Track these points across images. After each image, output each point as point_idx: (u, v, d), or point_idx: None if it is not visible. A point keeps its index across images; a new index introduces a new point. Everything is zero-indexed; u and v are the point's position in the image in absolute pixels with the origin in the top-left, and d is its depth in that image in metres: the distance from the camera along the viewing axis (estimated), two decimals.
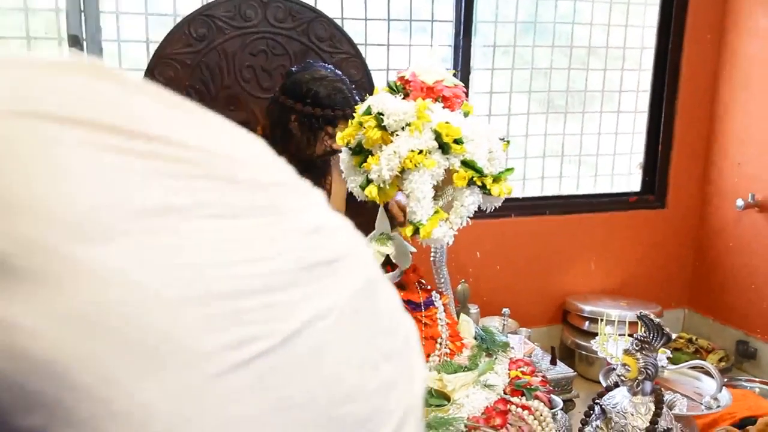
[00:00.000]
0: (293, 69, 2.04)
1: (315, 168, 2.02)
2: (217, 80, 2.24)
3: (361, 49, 2.60)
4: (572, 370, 2.57)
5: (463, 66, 2.86)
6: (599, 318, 2.47)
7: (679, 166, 3.24)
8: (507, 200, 3.02)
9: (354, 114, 1.93)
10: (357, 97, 1.97)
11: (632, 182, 3.32)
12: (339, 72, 2.05)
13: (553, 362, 2.61)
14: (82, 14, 2.37)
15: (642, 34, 3.21)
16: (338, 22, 2.48)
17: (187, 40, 2.19)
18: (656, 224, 3.25)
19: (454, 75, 2.84)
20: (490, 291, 2.90)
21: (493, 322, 2.56)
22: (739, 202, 3.00)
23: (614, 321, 2.38)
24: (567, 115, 3.19)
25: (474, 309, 2.68)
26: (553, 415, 2.21)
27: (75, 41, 2.45)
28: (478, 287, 2.87)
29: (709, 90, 3.20)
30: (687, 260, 3.32)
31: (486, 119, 2.97)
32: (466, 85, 2.87)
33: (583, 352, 2.91)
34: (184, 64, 2.20)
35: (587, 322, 2.92)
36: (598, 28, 3.15)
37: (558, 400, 2.29)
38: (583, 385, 2.83)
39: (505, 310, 2.37)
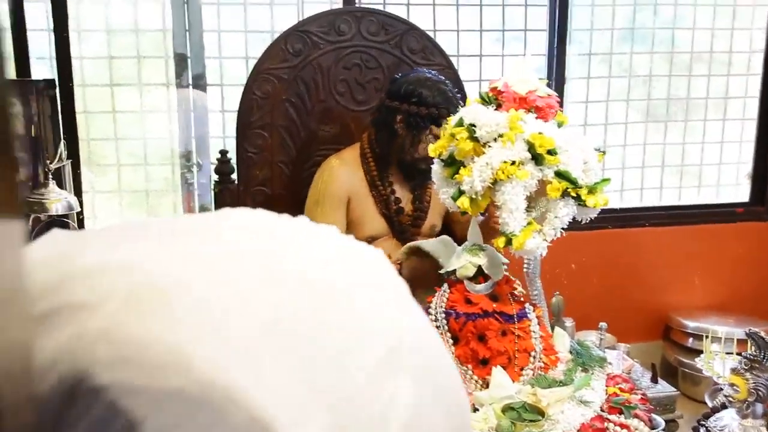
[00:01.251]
0: (398, 75, 2.09)
1: (418, 173, 2.04)
2: (313, 94, 2.29)
3: (454, 60, 2.60)
4: (675, 389, 2.46)
5: (557, 75, 2.82)
6: (704, 335, 2.36)
7: None
8: (604, 211, 2.94)
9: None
10: (459, 101, 1.99)
11: (740, 193, 3.15)
12: (442, 77, 2.08)
13: (653, 380, 2.50)
14: (187, 33, 2.49)
15: (750, 37, 3.06)
16: (431, 34, 2.49)
17: (284, 55, 2.26)
18: (767, 236, 3.08)
19: (548, 84, 2.82)
20: (585, 304, 2.82)
21: (590, 337, 2.49)
22: None
23: (721, 338, 2.27)
24: (668, 123, 3.07)
25: (569, 323, 2.60)
26: None
27: (181, 59, 2.58)
28: (573, 301, 2.79)
29: None
30: None
31: (582, 129, 2.91)
32: (561, 95, 2.83)
33: (687, 371, 2.78)
34: (281, 78, 2.26)
35: (691, 339, 2.80)
36: (701, 32, 3.02)
37: (660, 420, 2.20)
38: (687, 405, 2.70)
39: (602, 324, 2.29)
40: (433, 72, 2.10)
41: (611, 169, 3.01)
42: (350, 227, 2.09)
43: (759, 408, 1.64)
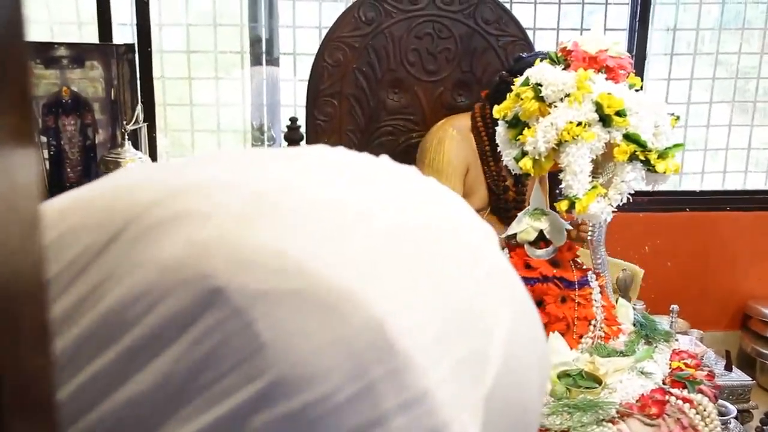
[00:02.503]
0: (523, 54, 2.06)
1: None
2: (383, 63, 2.28)
3: (530, 33, 2.55)
4: (750, 378, 2.36)
5: (638, 51, 2.72)
6: None
7: None
8: (682, 193, 2.86)
9: None
10: None
11: None
12: None
13: (728, 368, 2.40)
14: (262, 1, 2.53)
15: None
16: (507, 5, 2.45)
17: (356, 23, 2.26)
18: None
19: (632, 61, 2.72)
20: (658, 288, 2.72)
21: (661, 321, 2.41)
22: None
23: None
24: (756, 104, 2.92)
25: (640, 305, 2.53)
26: (726, 423, 2.05)
27: (254, 28, 2.62)
28: (645, 283, 2.70)
29: None
30: None
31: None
32: (641, 72, 2.73)
33: (766, 362, 2.66)
34: (351, 47, 2.27)
35: None
36: None
37: (732, 408, 2.11)
38: (763, 397, 2.59)
39: (674, 307, 2.22)
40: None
41: (693, 150, 2.89)
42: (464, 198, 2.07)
43: None
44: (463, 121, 2.09)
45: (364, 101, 2.30)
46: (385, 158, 0.51)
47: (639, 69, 2.72)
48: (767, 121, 2.93)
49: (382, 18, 2.27)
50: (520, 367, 0.43)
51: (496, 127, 1.98)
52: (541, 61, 1.93)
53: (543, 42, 2.65)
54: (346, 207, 0.41)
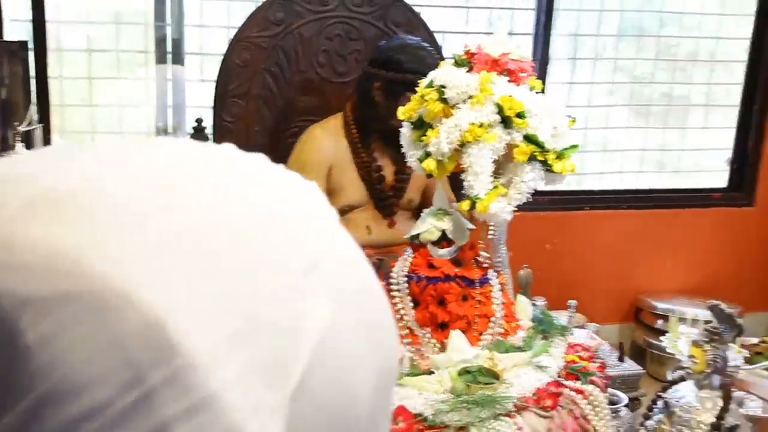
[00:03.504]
0: (382, 43, 2.11)
1: (398, 141, 2.04)
2: (293, 64, 2.27)
3: (439, 36, 2.59)
4: (640, 368, 2.49)
5: (542, 55, 2.81)
6: (670, 315, 2.38)
7: None
8: (582, 193, 2.98)
9: None
10: None
11: (717, 179, 3.17)
12: (426, 44, 2.10)
13: (620, 359, 2.53)
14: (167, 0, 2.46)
15: (737, 24, 3.06)
16: (416, 8, 2.47)
17: (265, 23, 2.24)
18: (742, 223, 3.10)
19: (533, 64, 2.81)
20: (559, 284, 2.83)
21: (561, 316, 2.51)
22: None
23: (687, 319, 2.29)
24: (651, 108, 3.08)
25: (540, 301, 2.62)
26: (617, 411, 2.15)
27: (160, 27, 2.55)
28: (546, 280, 2.81)
29: None
30: None
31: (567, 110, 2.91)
32: (544, 76, 2.82)
33: (655, 351, 2.81)
34: (260, 47, 2.24)
35: (660, 321, 2.82)
36: (687, 17, 3.02)
37: (623, 397, 2.22)
38: (652, 384, 2.73)
39: (571, 302, 2.31)
40: (416, 39, 2.11)
41: (592, 151, 3.01)
42: (330, 195, 2.10)
43: (716, 380, 1.65)
44: (334, 120, 2.12)
45: (273, 102, 2.28)
46: (229, 146, 0.50)
47: (542, 73, 2.81)
48: (660, 123, 3.10)
49: (291, 18, 2.25)
50: (344, 360, 0.42)
51: (366, 120, 2.03)
52: (402, 48, 1.99)
53: (451, 45, 2.70)
54: (144, 202, 0.38)
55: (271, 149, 2.23)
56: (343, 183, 2.07)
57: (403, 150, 1.98)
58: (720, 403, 1.65)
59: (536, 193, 2.56)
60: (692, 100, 3.12)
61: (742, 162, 3.10)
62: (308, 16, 2.26)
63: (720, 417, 1.61)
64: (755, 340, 2.95)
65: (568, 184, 2.94)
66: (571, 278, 2.89)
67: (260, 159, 0.49)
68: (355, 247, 0.51)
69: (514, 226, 2.67)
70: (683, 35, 3.03)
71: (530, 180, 1.44)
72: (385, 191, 2.08)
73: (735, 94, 3.11)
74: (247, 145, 0.40)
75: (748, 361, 2.45)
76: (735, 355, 2.17)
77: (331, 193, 2.08)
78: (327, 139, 2.07)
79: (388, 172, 2.11)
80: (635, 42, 2.99)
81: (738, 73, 3.09)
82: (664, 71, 3.06)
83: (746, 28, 3.04)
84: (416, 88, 1.89)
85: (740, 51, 3.07)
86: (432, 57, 2.03)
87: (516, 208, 1.49)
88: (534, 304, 2.46)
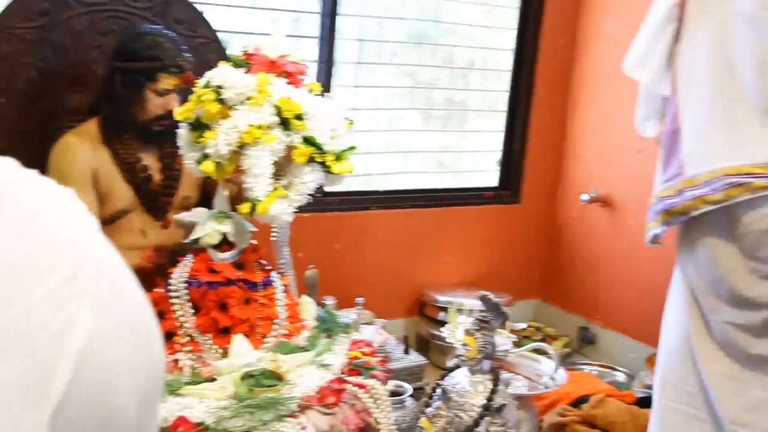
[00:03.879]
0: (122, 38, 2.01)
1: (152, 136, 1.96)
2: (63, 59, 2.09)
3: (225, 36, 2.54)
4: (424, 359, 2.63)
5: (327, 59, 2.86)
6: (449, 307, 2.54)
7: (533, 163, 3.39)
8: (367, 193, 3.07)
9: (177, 68, 1.90)
10: (186, 55, 1.96)
11: (490, 179, 3.44)
12: (169, 31, 2.03)
13: (406, 351, 2.65)
14: None
15: (503, 36, 3.33)
16: (199, 6, 2.40)
17: (27, 14, 2.04)
18: (511, 219, 3.39)
19: (319, 67, 2.85)
20: (348, 283, 2.91)
21: (350, 314, 2.57)
22: (584, 197, 3.18)
23: (465, 309, 2.46)
24: (431, 112, 3.26)
25: (330, 300, 2.67)
26: (402, 402, 2.25)
27: None
28: (336, 280, 2.87)
29: (563, 91, 3.37)
30: (538, 253, 3.48)
31: (352, 113, 2.98)
32: (330, 79, 2.87)
33: (438, 342, 2.97)
34: (23, 39, 2.04)
35: (442, 313, 2.99)
36: (462, 28, 3.24)
37: (408, 387, 2.33)
38: (436, 374, 2.88)
39: (359, 300, 2.38)
40: (159, 27, 2.03)
41: (378, 153, 3.12)
42: (101, 202, 1.97)
43: (486, 364, 1.79)
44: (90, 124, 2.00)
45: (39, 100, 2.09)
46: None
47: (328, 76, 2.86)
48: (442, 126, 3.29)
49: (58, 10, 2.07)
50: (108, 369, 0.42)
51: (118, 117, 1.95)
52: (139, 36, 1.94)
53: (237, 46, 2.65)
54: None
55: (39, 151, 2.05)
56: (110, 188, 1.94)
57: (167, 145, 1.92)
58: (490, 385, 1.79)
59: (324, 194, 2.63)
60: (470, 105, 3.35)
61: (510, 163, 3.39)
62: (78, 8, 2.10)
63: (489, 398, 1.75)
64: (523, 326, 3.24)
65: (354, 184, 3.05)
66: (359, 276, 2.98)
67: (9, 164, 0.45)
68: (114, 253, 0.49)
69: (303, 228, 2.71)
70: (459, 44, 3.25)
71: (310, 181, 1.46)
72: (153, 191, 1.98)
73: (503, 100, 3.39)
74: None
75: (517, 345, 2.68)
76: (504, 340, 2.37)
77: (102, 199, 1.95)
78: (83, 145, 1.93)
79: (155, 169, 2.01)
80: (416, 49, 3.15)
81: (505, 81, 3.37)
82: (448, 77, 3.26)
83: (510, 40, 3.33)
84: (156, 77, 1.89)
85: (507, 61, 3.35)
86: (174, 44, 1.96)
87: (298, 210, 1.50)
88: (324, 304, 2.50)
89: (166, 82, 1.90)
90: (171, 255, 1.76)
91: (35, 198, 0.46)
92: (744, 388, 1.58)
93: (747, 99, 1.48)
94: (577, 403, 2.36)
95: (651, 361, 2.73)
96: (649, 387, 2.56)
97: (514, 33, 3.31)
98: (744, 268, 1.51)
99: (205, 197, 2.17)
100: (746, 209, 1.47)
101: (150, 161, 1.99)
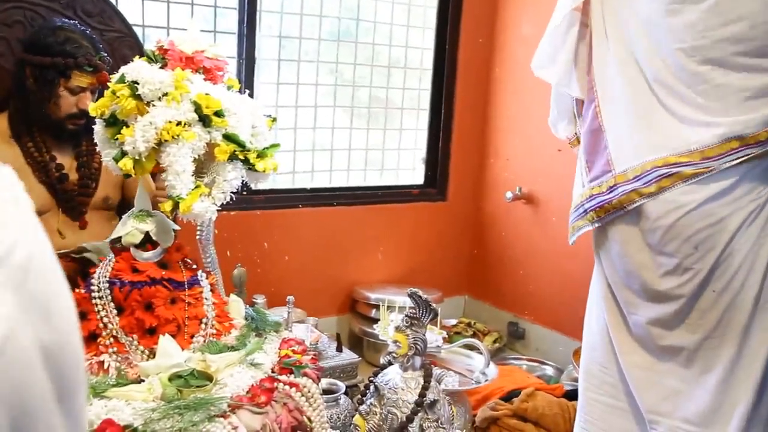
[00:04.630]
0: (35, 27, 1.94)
1: (65, 134, 1.90)
2: None
3: (140, 30, 2.47)
4: (357, 356, 2.62)
5: (247, 55, 2.82)
6: (380, 304, 2.54)
7: (458, 161, 3.44)
8: (295, 191, 3.05)
9: (92, 67, 1.87)
10: (102, 54, 1.92)
11: (416, 176, 3.46)
12: (83, 27, 1.98)
13: (338, 349, 2.64)
14: None
15: (423, 35, 3.37)
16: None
17: None
18: (438, 216, 3.42)
19: (239, 64, 2.81)
20: (278, 281, 2.88)
21: (281, 313, 2.54)
22: (509, 195, 3.24)
23: (396, 307, 2.46)
24: (354, 109, 3.26)
25: (261, 299, 2.64)
26: (336, 400, 2.24)
27: None
28: (266, 278, 2.84)
29: (483, 91, 3.43)
30: (466, 250, 3.53)
31: (273, 110, 2.95)
32: (251, 76, 2.84)
33: (371, 339, 2.98)
34: None
35: (374, 310, 3.00)
36: (382, 26, 3.25)
37: (341, 385, 2.32)
38: (370, 371, 2.88)
39: (290, 298, 2.35)
40: (73, 22, 1.98)
41: (303, 150, 3.10)
42: None
43: (418, 361, 1.80)
44: (1, 121, 1.93)
45: None
46: None
47: (249, 72, 2.83)
48: (363, 124, 3.29)
49: None
50: (24, 360, 0.41)
51: (29, 113, 1.89)
52: (53, 30, 1.89)
53: (154, 40, 2.59)
54: None
55: None
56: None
57: (83, 143, 1.86)
58: (422, 381, 1.79)
59: (251, 192, 2.59)
60: (393, 103, 3.37)
61: (435, 161, 3.43)
62: None
63: (421, 394, 1.75)
64: (454, 322, 3.29)
65: (281, 182, 3.02)
66: (288, 275, 2.95)
67: None
68: (44, 240, 0.47)
69: (231, 226, 2.67)
70: (381, 43, 3.26)
71: (233, 179, 1.43)
72: (68, 191, 1.91)
73: (426, 99, 3.42)
74: None
75: (448, 340, 2.71)
76: (435, 336, 2.39)
77: None
78: None
79: (70, 168, 1.94)
80: (339, 46, 3.14)
81: (426, 80, 3.40)
82: (370, 75, 3.26)
83: (430, 39, 3.37)
84: (68, 73, 1.84)
85: (427, 59, 3.39)
86: (90, 41, 1.92)
87: (223, 208, 1.47)
88: (254, 303, 2.46)
89: (80, 80, 1.84)
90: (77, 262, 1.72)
91: None
92: (658, 378, 1.64)
93: (656, 96, 1.54)
94: (509, 397, 2.41)
95: (578, 354, 2.80)
96: (577, 380, 2.64)
97: (432, 32, 3.35)
98: (652, 263, 1.57)
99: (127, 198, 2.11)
100: (653, 206, 1.53)
101: (64, 160, 1.92)
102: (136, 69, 1.38)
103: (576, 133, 1.78)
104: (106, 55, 1.94)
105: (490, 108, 3.43)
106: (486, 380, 2.33)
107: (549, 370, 2.99)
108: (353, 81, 3.22)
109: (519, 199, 3.24)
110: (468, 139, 3.44)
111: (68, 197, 1.91)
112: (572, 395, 2.39)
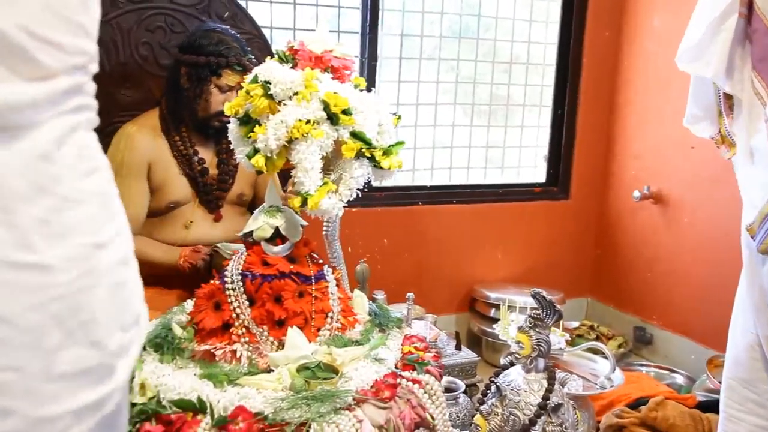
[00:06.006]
0: (193, 30, 2.10)
1: (211, 131, 2.01)
2: (112, 56, 2.15)
3: (267, 32, 2.56)
4: (476, 355, 2.60)
5: (370, 54, 2.86)
6: (501, 303, 2.50)
7: (582, 158, 3.33)
8: (415, 188, 3.07)
9: (241, 66, 1.97)
10: (250, 55, 2.04)
11: (538, 174, 3.39)
12: (234, 31, 2.10)
13: (457, 347, 2.62)
14: None
15: (546, 30, 3.29)
16: (242, 2, 2.44)
17: None
18: (560, 215, 3.33)
19: (361, 63, 2.85)
20: (397, 278, 2.90)
21: (400, 309, 2.56)
22: (636, 194, 3.11)
23: (516, 307, 2.42)
24: (475, 106, 3.23)
25: (380, 295, 2.66)
26: (456, 398, 2.23)
27: None
28: (385, 274, 2.87)
29: (609, 86, 3.31)
30: (589, 250, 3.42)
31: (394, 108, 2.98)
32: (373, 74, 2.87)
33: (490, 339, 2.95)
34: None
35: (493, 310, 2.96)
36: (503, 22, 3.20)
37: (461, 384, 2.31)
38: (488, 371, 2.85)
39: (409, 295, 2.37)
40: (225, 27, 2.11)
41: (423, 148, 3.11)
42: (155, 193, 2.02)
43: (541, 363, 1.76)
44: (150, 116, 2.07)
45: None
46: None
47: (371, 71, 2.86)
48: (484, 122, 3.26)
49: (107, 8, 2.13)
50: None
51: (179, 110, 2.00)
52: (206, 33, 1.99)
53: (280, 41, 2.68)
54: None
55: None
56: (165, 180, 2.00)
57: (224, 141, 1.97)
58: (545, 384, 1.75)
59: (372, 189, 2.62)
60: (513, 100, 3.31)
61: (557, 159, 3.34)
62: (126, 6, 2.17)
63: (545, 397, 1.71)
64: (576, 324, 3.19)
65: (401, 179, 3.04)
66: (407, 271, 2.97)
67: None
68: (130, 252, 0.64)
69: (352, 223, 2.71)
70: (500, 39, 3.21)
71: (359, 176, 1.45)
72: (208, 184, 2.04)
73: (548, 95, 3.34)
74: None
75: (570, 343, 2.64)
76: (557, 338, 2.32)
77: (154, 191, 2.01)
78: (142, 136, 1.99)
79: (211, 163, 2.08)
80: (458, 43, 3.12)
81: (549, 76, 3.32)
82: (491, 72, 3.23)
83: (553, 34, 3.28)
84: (219, 72, 1.96)
85: (550, 55, 3.30)
86: (238, 43, 2.04)
87: (348, 204, 1.50)
88: (373, 299, 2.50)
89: (230, 78, 1.96)
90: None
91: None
92: None
93: None
94: (636, 404, 2.30)
95: (713, 363, 2.64)
96: (712, 391, 2.48)
97: (556, 26, 3.26)
98: None
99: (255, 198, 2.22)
100: None
101: (206, 155, 2.05)
102: (268, 69, 1.43)
103: (721, 132, 1.64)
104: (252, 57, 2.05)
105: (616, 103, 3.30)
106: (611, 386, 2.24)
107: (679, 379, 2.83)
108: (474, 78, 3.19)
109: (647, 198, 3.10)
110: (592, 135, 3.33)
111: (207, 190, 2.04)
112: (706, 407, 2.26)
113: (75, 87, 0.56)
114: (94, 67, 0.62)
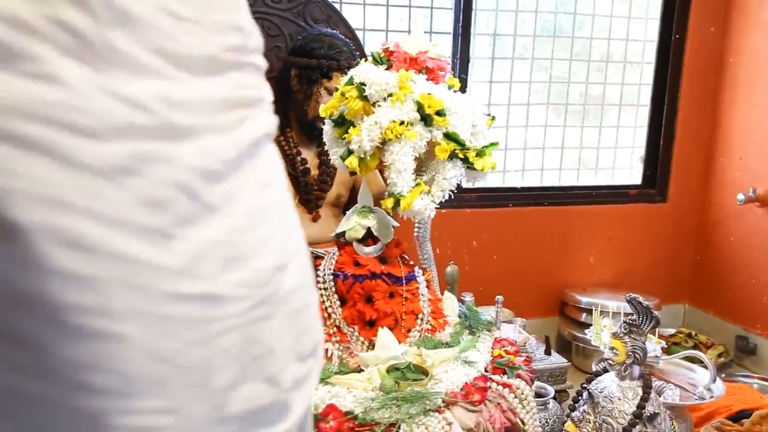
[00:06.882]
0: (303, 35, 2.18)
1: (318, 133, 2.07)
2: None
3: (360, 34, 2.59)
4: (566, 361, 2.54)
5: (462, 54, 2.84)
6: (594, 308, 2.44)
7: (681, 160, 3.20)
8: (505, 190, 3.03)
9: (349, 68, 2.00)
10: (359, 59, 2.06)
11: (633, 176, 3.28)
12: (343, 37, 2.17)
13: (547, 352, 2.58)
14: None
15: (645, 27, 3.17)
16: (336, 5, 2.47)
17: None
18: (657, 218, 3.21)
19: (453, 63, 2.84)
20: (486, 280, 2.87)
21: (489, 312, 2.54)
22: (740, 197, 2.96)
23: (609, 312, 2.35)
24: (568, 106, 3.16)
25: (469, 297, 2.64)
26: (545, 404, 2.19)
27: None
28: (474, 276, 2.84)
29: (713, 83, 3.16)
30: (687, 255, 3.28)
31: (486, 108, 2.94)
32: (466, 74, 2.85)
33: (580, 345, 2.88)
34: None
35: (584, 314, 2.89)
36: (600, 19, 3.12)
37: (550, 389, 2.27)
38: (578, 377, 2.79)
39: (499, 298, 2.33)
40: (335, 32, 2.17)
41: (513, 149, 3.07)
42: None
43: (636, 370, 1.70)
44: None
45: None
46: None
47: (464, 71, 2.85)
48: (577, 122, 3.18)
49: None
50: None
51: (286, 110, 2.05)
52: (317, 37, 2.04)
53: (372, 43, 2.70)
54: None
55: None
56: None
57: (325, 144, 2.01)
58: (640, 392, 1.69)
59: (462, 191, 2.60)
60: (607, 100, 3.22)
61: (655, 160, 3.22)
62: None
63: (640, 406, 1.65)
64: (672, 331, 3.07)
65: (492, 181, 3.01)
66: (497, 274, 2.93)
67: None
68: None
69: (441, 224, 2.71)
70: (596, 37, 3.12)
71: (452, 177, 1.44)
72: (309, 184, 2.10)
73: (645, 94, 3.22)
74: None
75: (666, 351, 2.54)
76: (653, 345, 2.24)
77: None
78: None
79: (312, 163, 2.14)
80: (551, 42, 3.06)
81: (647, 74, 3.20)
82: (582, 71, 3.15)
83: (652, 30, 3.16)
84: (330, 75, 2.02)
85: (648, 52, 3.19)
86: (348, 48, 2.10)
87: (439, 206, 1.49)
88: (462, 300, 2.48)
89: (339, 81, 2.00)
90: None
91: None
92: None
93: None
94: (738, 417, 2.19)
95: None
96: None
97: (656, 23, 3.15)
98: None
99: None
100: None
101: (308, 156, 2.12)
102: (364, 71, 1.45)
103: None
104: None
105: (720, 102, 3.15)
106: (711, 397, 2.14)
107: None
108: (568, 77, 3.12)
109: (753, 201, 2.94)
110: (693, 135, 3.19)
111: (308, 190, 2.10)
112: None
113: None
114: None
